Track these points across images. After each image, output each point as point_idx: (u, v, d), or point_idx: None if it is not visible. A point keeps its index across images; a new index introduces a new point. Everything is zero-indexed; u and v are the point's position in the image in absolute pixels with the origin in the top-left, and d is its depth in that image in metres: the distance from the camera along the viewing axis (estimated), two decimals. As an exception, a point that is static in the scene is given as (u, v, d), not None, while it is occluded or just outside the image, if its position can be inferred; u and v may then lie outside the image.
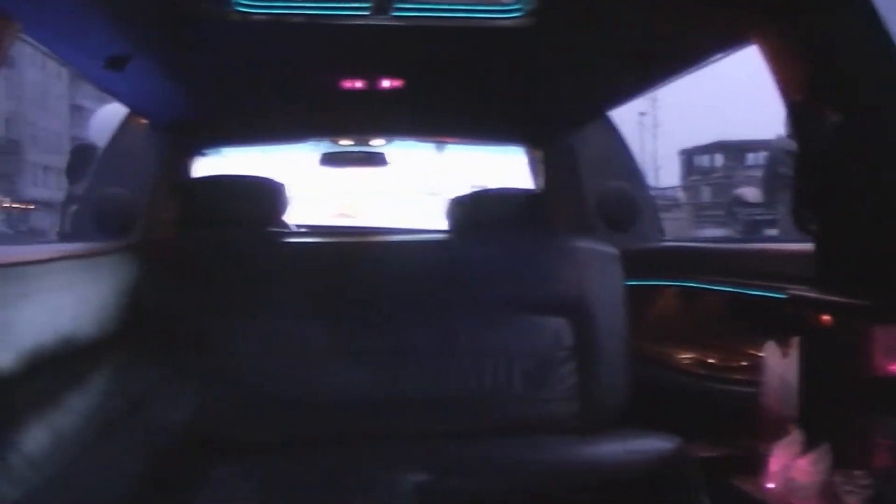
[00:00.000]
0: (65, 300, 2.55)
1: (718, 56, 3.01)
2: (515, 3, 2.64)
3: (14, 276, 2.17)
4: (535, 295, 3.45)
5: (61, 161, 6.76)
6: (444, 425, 3.27)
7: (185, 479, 2.81)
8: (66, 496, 2.06)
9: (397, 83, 3.45)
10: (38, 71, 53.11)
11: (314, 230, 5.46)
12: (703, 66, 3.15)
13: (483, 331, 3.39)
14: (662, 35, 2.85)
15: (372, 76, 3.40)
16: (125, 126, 3.84)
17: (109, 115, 5.11)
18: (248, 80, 3.41)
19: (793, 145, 2.52)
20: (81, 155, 6.41)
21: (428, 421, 3.28)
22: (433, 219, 5.40)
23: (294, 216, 4.72)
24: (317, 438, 3.17)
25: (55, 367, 2.36)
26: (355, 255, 3.50)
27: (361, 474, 2.94)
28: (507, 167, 5.28)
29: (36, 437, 2.07)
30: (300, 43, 2.97)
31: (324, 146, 5.35)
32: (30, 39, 2.57)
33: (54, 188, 45.61)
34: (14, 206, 46.00)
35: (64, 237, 5.41)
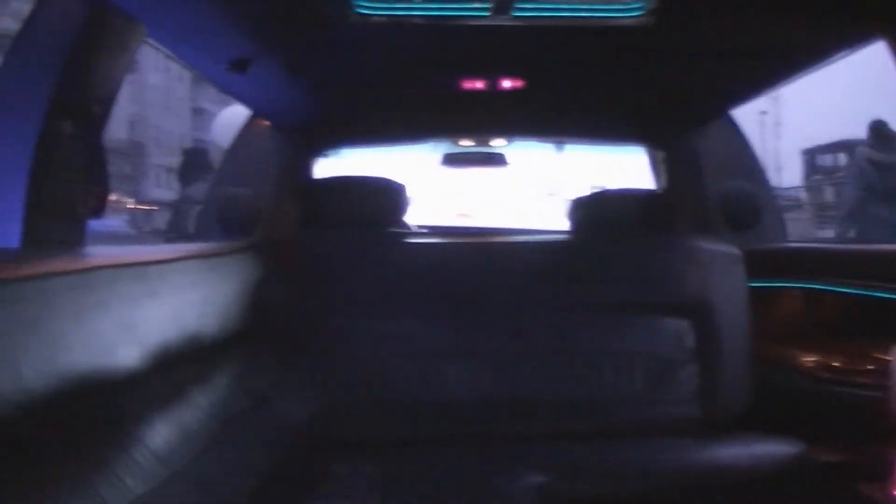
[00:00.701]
0: (189, 299, 2.60)
1: (843, 53, 2.93)
2: (636, 2, 2.61)
3: (140, 275, 2.22)
4: (657, 296, 3.41)
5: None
6: (564, 427, 3.26)
7: (305, 476, 2.84)
8: (189, 491, 2.09)
9: (518, 83, 3.44)
10: (161, 74, 54.39)
11: (434, 231, 5.47)
12: (827, 64, 3.07)
13: (604, 332, 3.36)
14: (785, 32, 2.78)
15: (492, 76, 3.39)
16: (248, 128, 3.89)
17: (232, 117, 5.19)
18: (369, 81, 3.42)
19: None
20: (193, 158, 6.56)
21: (548, 422, 3.27)
22: (552, 219, 5.38)
23: (413, 217, 4.74)
24: (435, 439, 3.19)
25: (180, 365, 2.41)
26: (475, 255, 3.50)
27: (480, 475, 2.94)
28: (627, 167, 5.23)
29: (161, 433, 2.10)
30: (420, 44, 2.97)
31: (444, 147, 5.37)
32: (154, 43, 2.62)
33: (176, 189, 46.60)
34: (138, 206, 47.08)
35: (171, 239, 5.52)
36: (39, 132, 2.06)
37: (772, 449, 3.07)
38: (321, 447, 3.04)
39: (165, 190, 50.36)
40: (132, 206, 44.21)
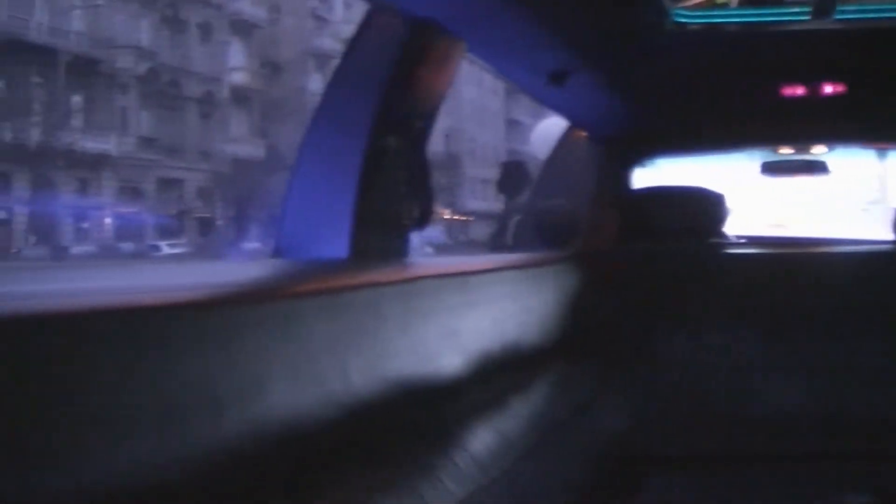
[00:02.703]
0: (509, 309, 2.63)
1: None
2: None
3: (461, 285, 2.26)
4: None
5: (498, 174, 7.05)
6: (886, 446, 3.07)
7: (620, 490, 2.82)
8: (507, 497, 2.11)
9: (839, 88, 3.29)
10: (475, 88, 55.68)
11: (753, 241, 5.32)
12: None
13: None
14: None
15: (812, 82, 3.26)
16: (565, 139, 3.91)
17: (549, 128, 5.24)
18: (686, 90, 3.37)
19: None
20: (511, 170, 6.64)
21: (872, 441, 3.10)
22: (874, 229, 5.12)
23: (730, 227, 4.63)
24: (750, 454, 3.09)
25: (500, 373, 2.44)
26: (797, 266, 3.38)
27: (796, 493, 2.82)
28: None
29: (482, 440, 2.14)
30: (737, 51, 2.90)
31: (762, 155, 5.21)
32: (472, 57, 2.67)
33: (491, 200, 47.64)
34: (454, 217, 48.39)
35: (495, 248, 5.61)
36: (366, 148, 2.14)
37: None
38: (636, 460, 3.01)
39: (480, 201, 51.40)
40: (448, 217, 45.44)
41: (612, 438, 2.99)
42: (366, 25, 2.22)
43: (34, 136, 32.75)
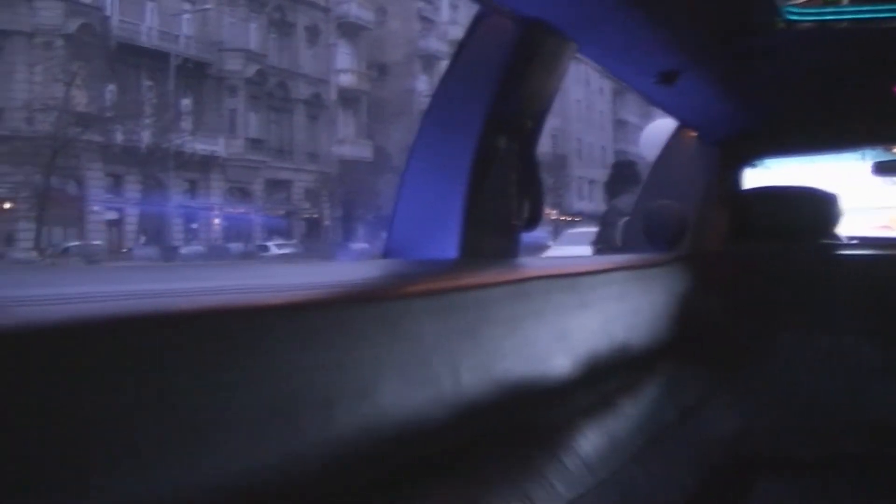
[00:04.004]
0: (618, 310, 2.62)
1: None
2: None
3: (571, 286, 2.26)
4: None
5: (605, 175, 7.02)
6: None
7: (729, 494, 2.79)
8: (616, 500, 2.10)
9: None
10: (582, 88, 55.54)
11: (865, 242, 5.22)
12: None
13: None
14: None
15: None
16: (675, 139, 3.87)
17: (659, 128, 5.19)
18: (796, 89, 3.31)
19: None
20: (621, 170, 6.60)
21: None
22: None
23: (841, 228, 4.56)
24: (864, 458, 3.03)
25: (609, 374, 2.43)
26: None
27: None
28: None
29: (591, 441, 2.13)
30: (850, 49, 2.84)
31: (872, 155, 5.11)
32: (581, 57, 2.66)
33: (598, 201, 47.39)
34: (560, 218, 48.27)
35: (601, 250, 5.58)
36: (476, 148, 2.15)
37: None
38: (747, 463, 2.97)
39: (587, 202, 51.25)
40: (555, 218, 45.40)
41: (721, 442, 2.95)
42: (476, 26, 2.23)
43: (145, 138, 33.61)
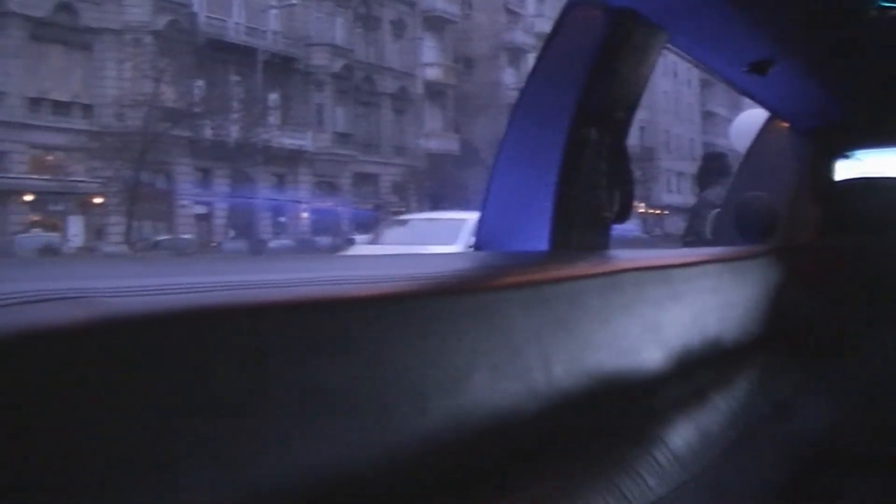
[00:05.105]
0: (710, 302, 2.60)
1: None
2: None
3: (664, 278, 2.24)
4: None
5: (693, 167, 6.96)
6: None
7: (821, 490, 2.75)
8: (707, 496, 2.08)
9: None
10: (670, 79, 54.98)
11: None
12: None
13: None
14: None
15: None
16: (766, 130, 3.82)
17: (749, 119, 5.13)
18: (891, 78, 3.25)
19: None
20: (712, 162, 6.53)
21: None
22: None
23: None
24: None
25: (701, 368, 2.41)
26: None
27: None
28: None
29: (682, 436, 2.11)
30: None
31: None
32: (672, 48, 2.63)
33: (686, 193, 46.92)
34: (648, 210, 47.92)
35: (688, 243, 5.53)
36: (566, 140, 2.15)
37: None
38: (838, 460, 2.93)
39: (675, 194, 50.76)
40: (643, 211, 45.09)
41: (813, 438, 2.91)
42: (565, 17, 2.22)
43: (233, 132, 33.99)
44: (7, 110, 29.51)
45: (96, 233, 30.79)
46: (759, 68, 2.86)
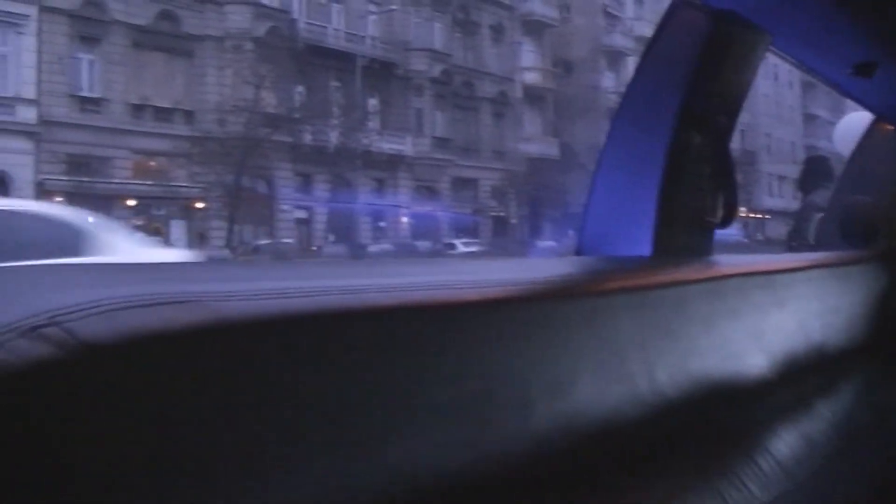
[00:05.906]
0: (814, 308, 2.57)
1: None
2: None
3: (768, 284, 2.22)
4: None
5: (795, 171, 6.85)
6: None
7: None
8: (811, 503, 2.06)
9: None
10: (770, 82, 54.11)
11: None
12: None
13: None
14: None
15: None
16: (871, 133, 3.75)
17: (853, 122, 5.05)
18: None
19: None
20: (814, 165, 6.43)
21: None
22: None
23: None
24: None
25: (805, 375, 2.38)
26: None
27: None
28: None
29: (786, 443, 2.09)
30: None
31: None
32: (774, 50, 2.61)
33: (788, 197, 46.15)
34: (750, 215, 47.21)
35: (793, 247, 5.45)
36: (669, 144, 2.14)
37: None
38: None
39: (777, 198, 49.93)
40: (744, 214, 44.46)
41: None
42: (668, 20, 2.22)
43: (333, 137, 34.32)
44: (110, 117, 30.23)
45: (199, 237, 31.30)
46: (864, 70, 2.82)
